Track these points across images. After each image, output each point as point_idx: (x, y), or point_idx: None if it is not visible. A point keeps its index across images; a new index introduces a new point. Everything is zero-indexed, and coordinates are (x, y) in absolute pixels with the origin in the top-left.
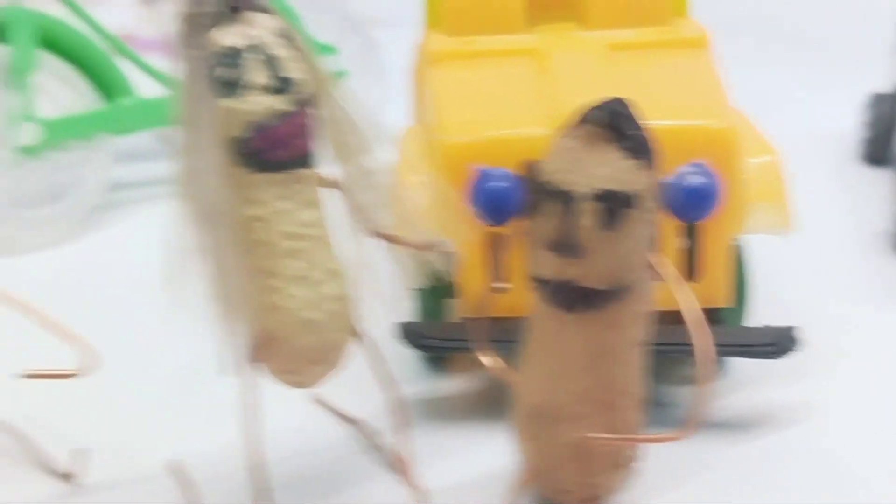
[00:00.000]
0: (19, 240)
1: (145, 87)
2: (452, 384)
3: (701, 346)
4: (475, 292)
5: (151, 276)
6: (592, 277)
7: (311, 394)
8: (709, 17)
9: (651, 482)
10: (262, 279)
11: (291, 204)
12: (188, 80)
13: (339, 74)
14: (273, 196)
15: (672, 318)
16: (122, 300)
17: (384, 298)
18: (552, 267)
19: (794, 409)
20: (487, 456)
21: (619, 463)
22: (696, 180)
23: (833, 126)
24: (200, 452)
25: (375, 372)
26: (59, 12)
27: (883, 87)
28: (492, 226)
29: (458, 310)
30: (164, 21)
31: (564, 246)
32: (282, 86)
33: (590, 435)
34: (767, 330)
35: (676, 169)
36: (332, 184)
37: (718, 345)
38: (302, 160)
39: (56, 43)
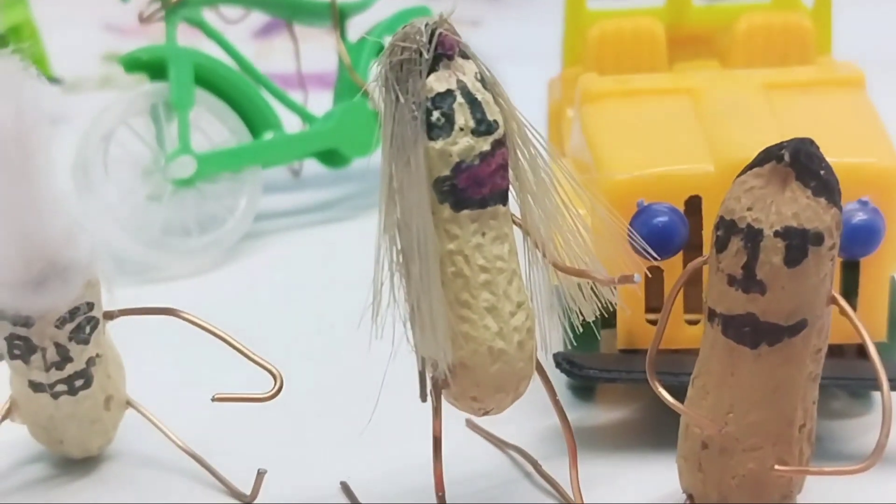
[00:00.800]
0: (171, 267)
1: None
2: (603, 414)
3: (884, 379)
4: (634, 324)
5: (300, 301)
6: (775, 313)
7: (465, 420)
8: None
9: None
10: (456, 310)
11: (487, 239)
12: (398, 123)
13: None
14: (471, 231)
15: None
16: (272, 325)
17: (547, 329)
18: (734, 302)
19: None
20: (647, 486)
21: (787, 495)
22: (862, 217)
23: None
24: (370, 475)
25: (551, 400)
26: (212, 50)
27: None
28: (655, 260)
29: (615, 341)
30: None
31: (748, 282)
32: (483, 128)
33: (777, 468)
34: None
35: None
36: (518, 220)
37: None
38: (498, 197)
39: (210, 79)
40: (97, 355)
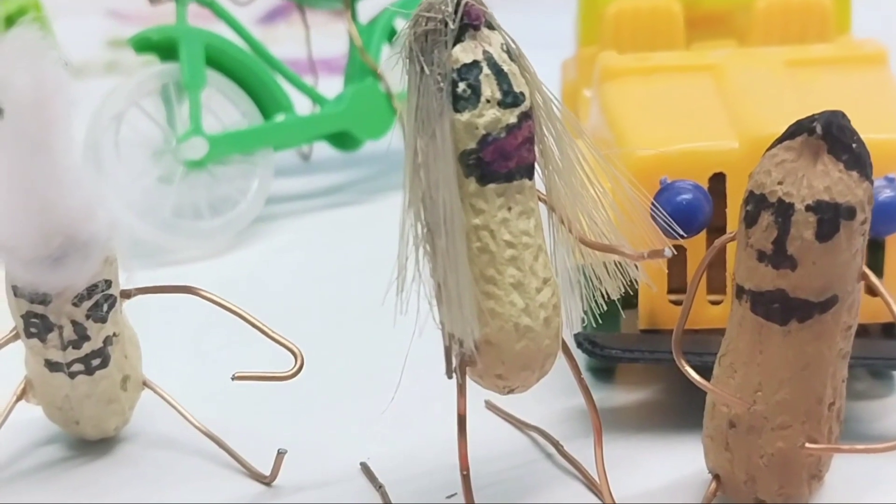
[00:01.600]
0: (183, 250)
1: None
2: (623, 396)
3: None
4: (655, 304)
5: (313, 283)
6: (805, 289)
7: (485, 401)
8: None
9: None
10: (481, 286)
11: (513, 213)
12: (423, 95)
13: None
14: (497, 206)
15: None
16: (286, 307)
17: (570, 308)
18: (764, 278)
19: None
20: (671, 467)
21: (815, 474)
22: (889, 194)
23: None
24: (391, 454)
25: (576, 379)
26: (223, 31)
27: None
28: (680, 238)
29: (636, 321)
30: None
31: (778, 257)
32: (510, 100)
33: (808, 446)
34: None
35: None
36: (543, 195)
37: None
38: (524, 171)
39: (221, 60)
40: (114, 334)
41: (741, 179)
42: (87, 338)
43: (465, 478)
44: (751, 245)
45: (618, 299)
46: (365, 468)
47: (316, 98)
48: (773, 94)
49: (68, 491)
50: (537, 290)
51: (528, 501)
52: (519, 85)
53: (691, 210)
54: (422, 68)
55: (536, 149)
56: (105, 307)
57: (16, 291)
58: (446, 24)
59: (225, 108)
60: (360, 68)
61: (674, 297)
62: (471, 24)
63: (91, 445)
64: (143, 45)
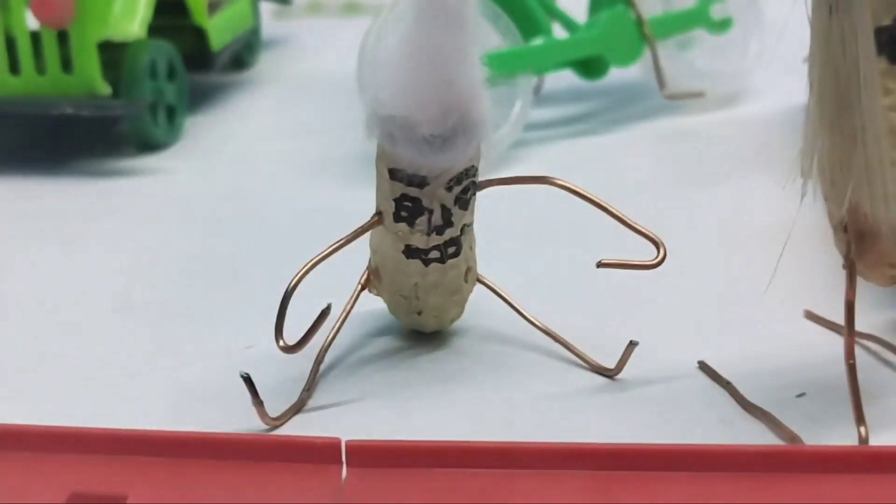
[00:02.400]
0: None
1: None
2: None
3: None
4: None
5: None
6: None
7: (804, 311)
8: None
9: None
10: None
11: None
12: None
13: (725, 22)
14: None
15: None
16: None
17: None
18: None
19: None
20: None
21: None
22: None
23: None
24: (725, 355)
25: None
26: None
27: None
28: None
29: None
30: None
31: None
32: None
33: None
34: None
35: None
36: None
37: None
38: None
39: None
40: (468, 224)
41: None
42: (451, 224)
43: (851, 367)
44: None
45: None
46: (704, 367)
47: (567, 23)
48: None
49: (413, 376)
50: None
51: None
52: None
53: None
54: None
55: None
56: (469, 194)
57: (393, 174)
58: None
59: (485, 30)
60: None
61: None
62: None
63: (426, 337)
64: None
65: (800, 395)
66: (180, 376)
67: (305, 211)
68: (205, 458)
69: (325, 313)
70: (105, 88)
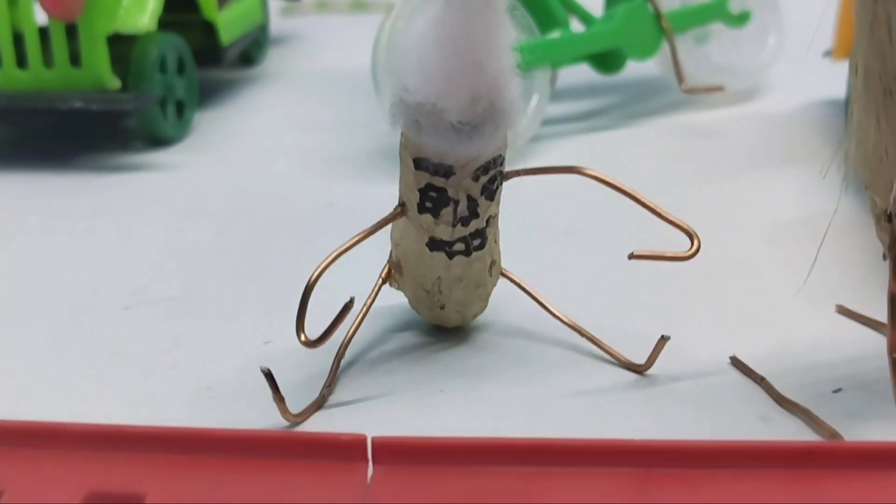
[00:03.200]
0: None
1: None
2: None
3: None
4: None
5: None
6: None
7: (836, 306)
8: None
9: None
10: None
11: None
12: None
13: (743, 16)
14: None
15: None
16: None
17: None
18: None
19: None
20: None
21: None
22: None
23: None
24: (758, 351)
25: None
26: None
27: None
28: None
29: None
30: None
31: None
32: None
33: None
34: None
35: None
36: None
37: None
38: None
39: None
40: (494, 215)
41: None
42: (476, 215)
43: (894, 361)
44: None
45: None
46: (737, 362)
47: (584, 16)
48: None
49: (435, 372)
50: None
51: None
52: None
53: None
54: None
55: None
56: (496, 184)
57: (418, 164)
58: None
59: None
60: None
61: None
62: None
63: (448, 333)
64: None
65: (836, 391)
66: (197, 373)
67: (317, 206)
68: (226, 455)
69: (347, 307)
70: (114, 82)
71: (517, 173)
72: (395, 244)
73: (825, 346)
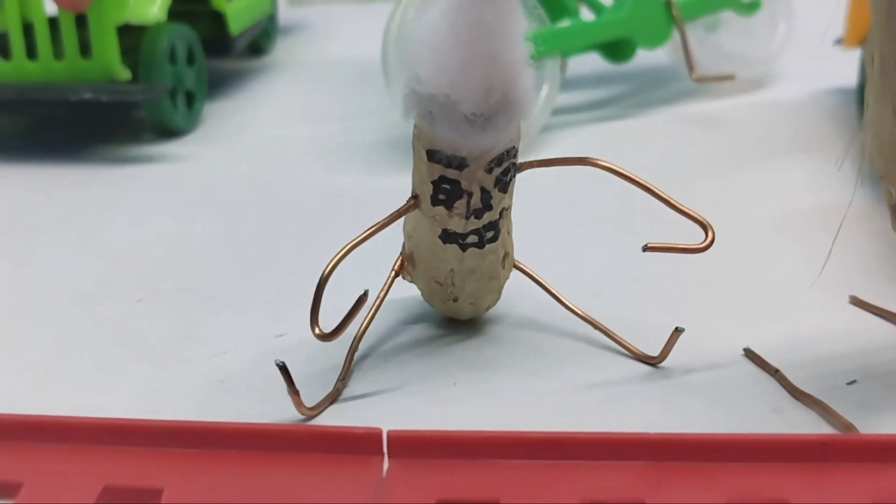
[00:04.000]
0: None
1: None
2: None
3: None
4: None
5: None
6: None
7: (849, 297)
8: None
9: None
10: None
11: None
12: None
13: (753, 4)
14: None
15: None
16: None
17: None
18: None
19: None
20: None
21: None
22: None
23: None
24: (770, 343)
25: None
26: None
27: None
28: None
29: None
30: None
31: None
32: None
33: None
34: None
35: None
36: None
37: None
38: None
39: None
40: (507, 207)
41: None
42: (490, 207)
43: None
44: None
45: None
46: (750, 354)
47: (594, 5)
48: None
49: (449, 365)
50: None
51: None
52: None
53: None
54: None
55: None
56: (509, 176)
57: (431, 156)
58: None
59: None
60: None
61: None
62: None
63: (461, 325)
64: None
65: (850, 383)
66: (211, 366)
67: (328, 197)
68: (243, 450)
69: (362, 300)
70: (124, 73)
71: (530, 165)
72: (408, 236)
73: (839, 337)
